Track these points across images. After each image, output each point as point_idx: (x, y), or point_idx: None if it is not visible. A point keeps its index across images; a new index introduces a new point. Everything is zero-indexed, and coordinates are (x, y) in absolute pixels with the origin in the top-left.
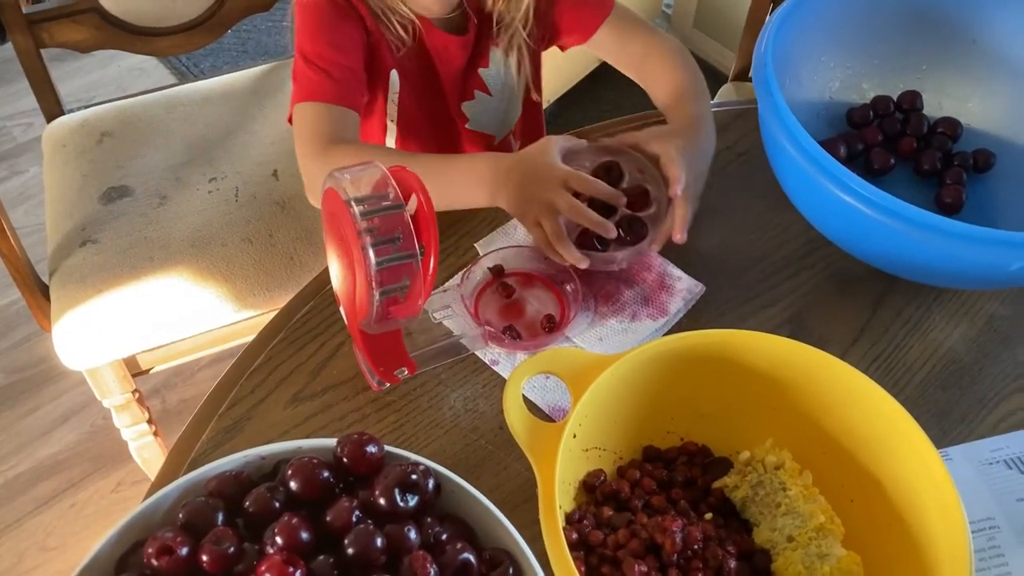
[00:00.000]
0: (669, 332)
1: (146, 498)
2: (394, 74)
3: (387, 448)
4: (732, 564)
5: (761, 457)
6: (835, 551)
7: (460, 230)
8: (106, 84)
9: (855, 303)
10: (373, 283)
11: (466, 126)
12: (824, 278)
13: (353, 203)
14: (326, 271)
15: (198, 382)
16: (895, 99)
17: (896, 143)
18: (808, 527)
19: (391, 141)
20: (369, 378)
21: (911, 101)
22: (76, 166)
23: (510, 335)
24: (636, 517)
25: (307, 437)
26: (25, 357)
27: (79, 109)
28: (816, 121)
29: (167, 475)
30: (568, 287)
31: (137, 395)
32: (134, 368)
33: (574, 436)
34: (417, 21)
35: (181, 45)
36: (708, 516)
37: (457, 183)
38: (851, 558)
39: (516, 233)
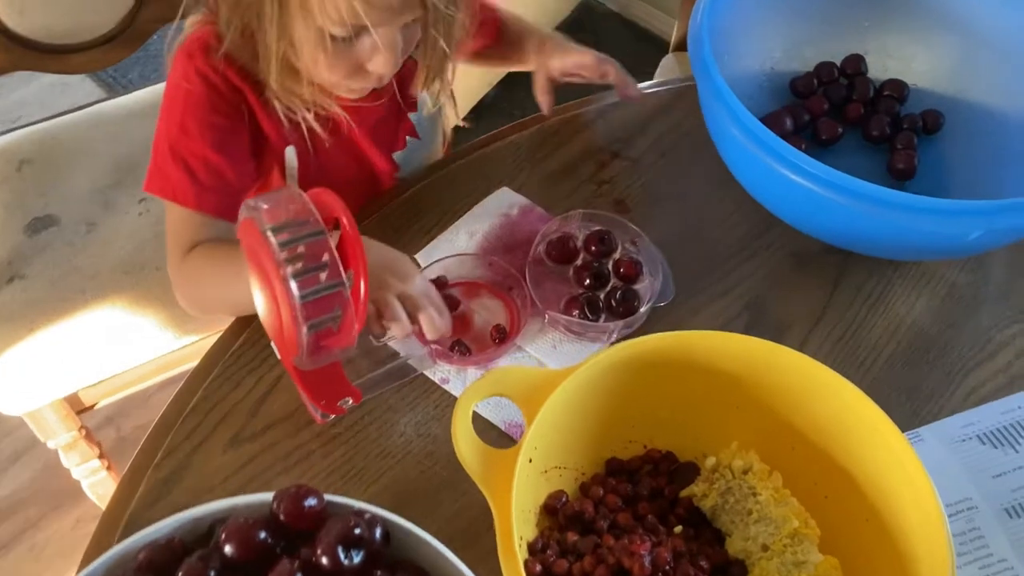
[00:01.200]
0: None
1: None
2: (290, 152)
3: (329, 498)
4: None
5: (728, 462)
6: (812, 557)
7: (395, 243)
8: (28, 103)
9: (814, 282)
10: (300, 318)
11: (397, 175)
12: (780, 258)
13: (270, 233)
14: None
15: (153, 407)
16: (839, 64)
17: (843, 110)
18: (782, 533)
19: None
20: (312, 411)
21: (855, 65)
22: None
23: (459, 351)
24: (602, 540)
25: (251, 481)
26: None
27: (1, 133)
28: (759, 94)
29: (100, 540)
30: (515, 293)
31: (84, 432)
32: (77, 405)
33: (530, 460)
34: (342, 112)
35: (97, 60)
36: (678, 529)
37: None
38: (828, 562)
39: (457, 239)
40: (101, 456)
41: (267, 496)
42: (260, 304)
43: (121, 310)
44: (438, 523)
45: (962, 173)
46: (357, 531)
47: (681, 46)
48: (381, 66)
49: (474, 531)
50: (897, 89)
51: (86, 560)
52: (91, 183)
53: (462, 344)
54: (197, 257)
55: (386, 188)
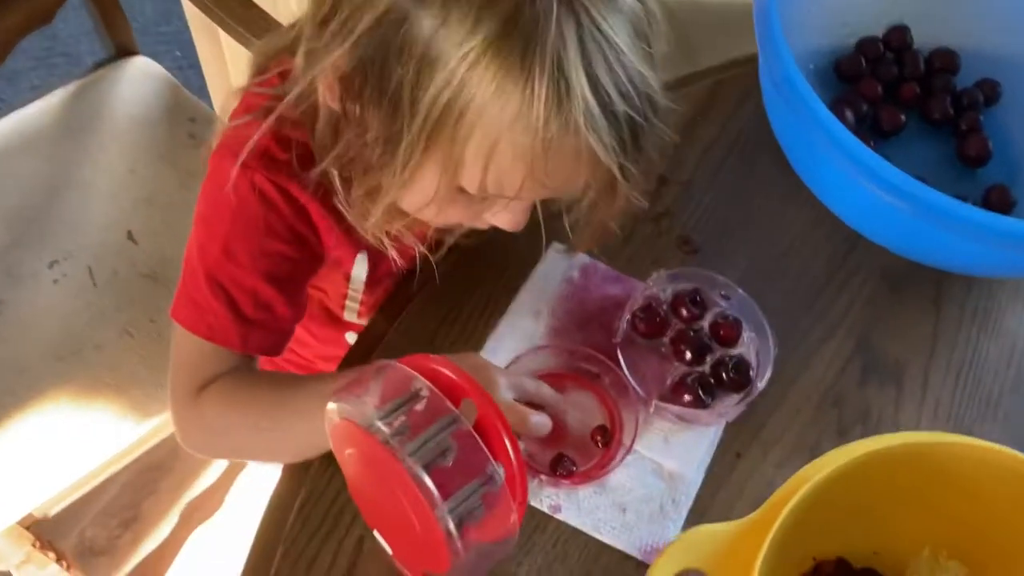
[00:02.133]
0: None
1: None
2: (361, 260)
3: None
4: None
5: None
6: None
7: (446, 339)
8: None
9: (915, 305)
10: (456, 540)
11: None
12: (874, 283)
13: (395, 443)
14: None
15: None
16: (882, 37)
17: (896, 91)
18: None
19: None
20: None
21: (900, 38)
22: None
23: (563, 469)
24: None
25: None
26: None
27: None
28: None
29: None
30: (605, 380)
31: (38, 544)
32: (27, 520)
33: None
34: (421, 247)
35: None
36: None
37: None
38: None
39: (522, 323)
40: (59, 559)
41: None
42: (366, 502)
43: (64, 406)
44: None
45: None
46: None
47: None
48: (507, 225)
49: None
50: (948, 61)
51: None
52: None
53: (565, 460)
54: (215, 402)
55: None
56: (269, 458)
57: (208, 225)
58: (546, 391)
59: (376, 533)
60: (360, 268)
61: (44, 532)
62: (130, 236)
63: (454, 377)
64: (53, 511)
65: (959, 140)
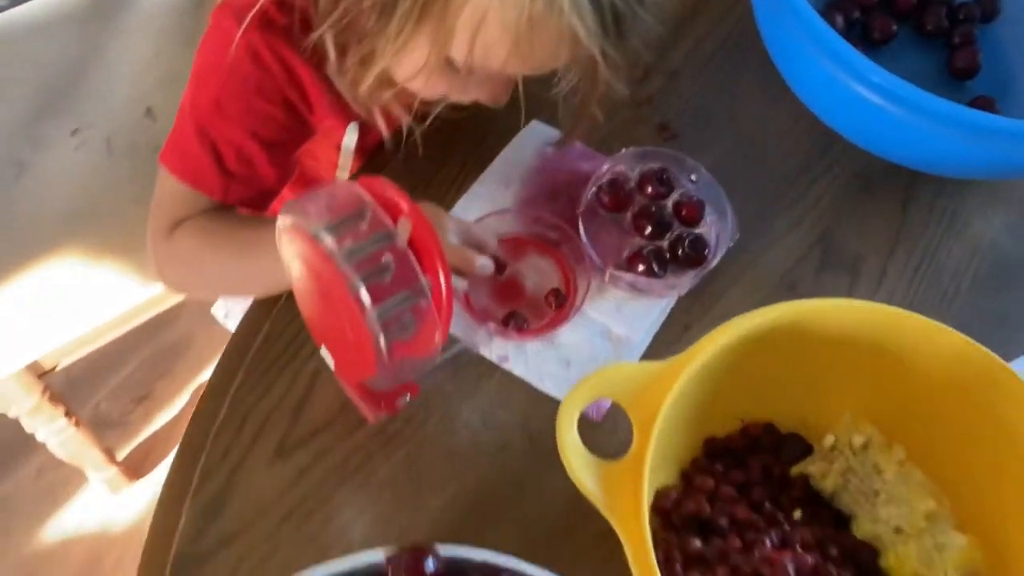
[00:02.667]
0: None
1: None
2: (351, 130)
3: (445, 553)
4: None
5: (847, 439)
6: (954, 540)
7: (421, 196)
8: None
9: (884, 204)
10: (380, 343)
11: None
12: (846, 179)
13: (334, 248)
14: None
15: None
16: None
17: (892, 1)
18: (918, 515)
19: None
20: (364, 409)
21: None
22: None
23: (515, 324)
24: (727, 543)
25: (308, 497)
26: None
27: None
28: None
29: None
30: (566, 247)
31: (47, 394)
32: (36, 370)
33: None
34: (412, 123)
35: None
36: (797, 514)
37: None
38: (972, 543)
39: (492, 190)
40: (68, 413)
41: (376, 555)
42: (311, 315)
43: (75, 264)
44: (525, 524)
45: None
46: None
47: None
48: (488, 100)
49: (567, 525)
50: None
51: None
52: (10, 116)
53: (518, 316)
54: (189, 236)
55: None
56: (239, 291)
57: (203, 78)
58: (492, 243)
59: (322, 349)
60: (350, 137)
61: (56, 389)
62: (149, 112)
63: (397, 200)
64: (62, 363)
65: (950, 53)
